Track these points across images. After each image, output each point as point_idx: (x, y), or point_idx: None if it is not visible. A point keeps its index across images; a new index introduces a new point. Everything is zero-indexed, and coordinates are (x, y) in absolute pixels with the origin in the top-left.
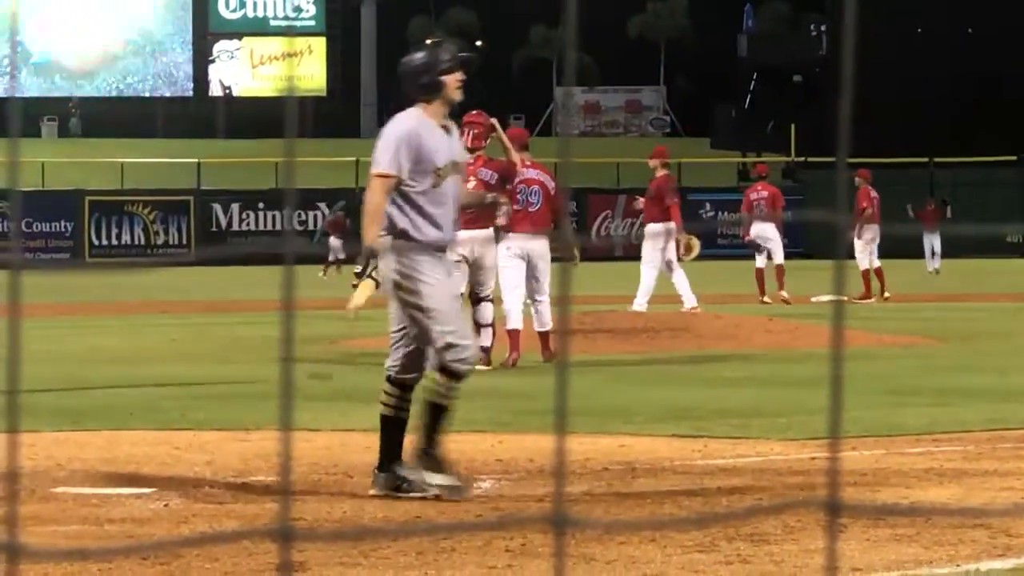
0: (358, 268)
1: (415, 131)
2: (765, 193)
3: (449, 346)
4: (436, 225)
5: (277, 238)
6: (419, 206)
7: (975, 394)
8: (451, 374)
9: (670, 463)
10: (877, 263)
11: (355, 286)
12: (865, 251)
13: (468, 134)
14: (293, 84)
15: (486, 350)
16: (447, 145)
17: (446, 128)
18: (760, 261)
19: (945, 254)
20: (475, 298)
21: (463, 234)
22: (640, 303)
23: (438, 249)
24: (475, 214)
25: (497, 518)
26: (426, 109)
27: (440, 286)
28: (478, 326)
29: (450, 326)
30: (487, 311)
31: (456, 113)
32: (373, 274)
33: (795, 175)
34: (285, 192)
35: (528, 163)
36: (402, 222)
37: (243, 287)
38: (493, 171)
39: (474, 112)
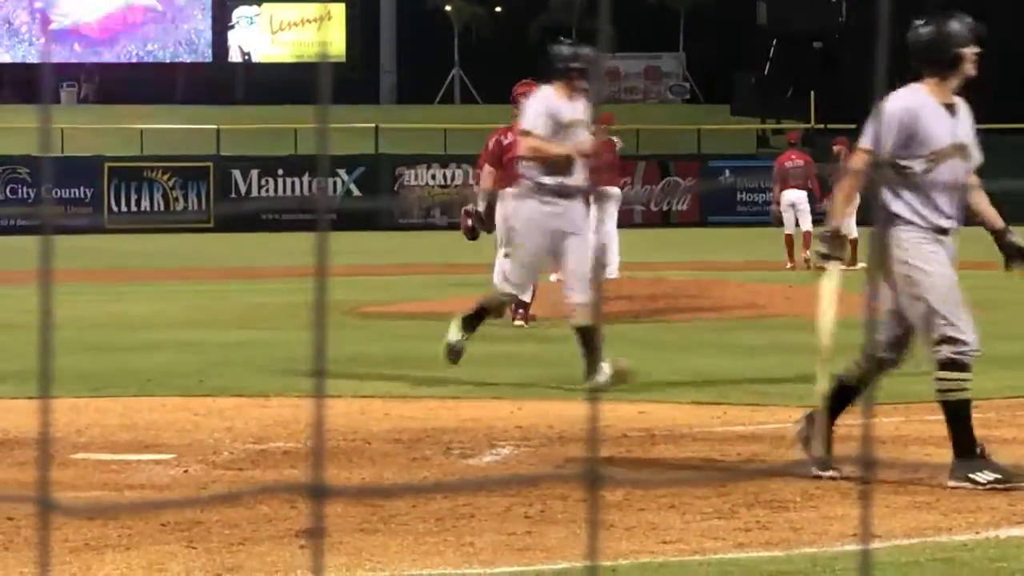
0: (821, 249)
1: (912, 110)
2: (800, 162)
3: (948, 339)
4: (936, 209)
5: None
6: (915, 188)
7: (996, 361)
8: (954, 366)
9: (689, 430)
10: (807, 226)
11: (820, 268)
12: (851, 216)
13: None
14: (325, 50)
15: (525, 307)
16: (950, 126)
17: (951, 107)
18: (789, 227)
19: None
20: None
21: (511, 194)
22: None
23: (939, 233)
24: None
25: (529, 476)
26: (932, 86)
27: (940, 275)
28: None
29: (950, 318)
30: None
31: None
32: (831, 256)
33: (814, 142)
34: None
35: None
36: (895, 205)
37: (264, 253)
38: None
39: (526, 81)
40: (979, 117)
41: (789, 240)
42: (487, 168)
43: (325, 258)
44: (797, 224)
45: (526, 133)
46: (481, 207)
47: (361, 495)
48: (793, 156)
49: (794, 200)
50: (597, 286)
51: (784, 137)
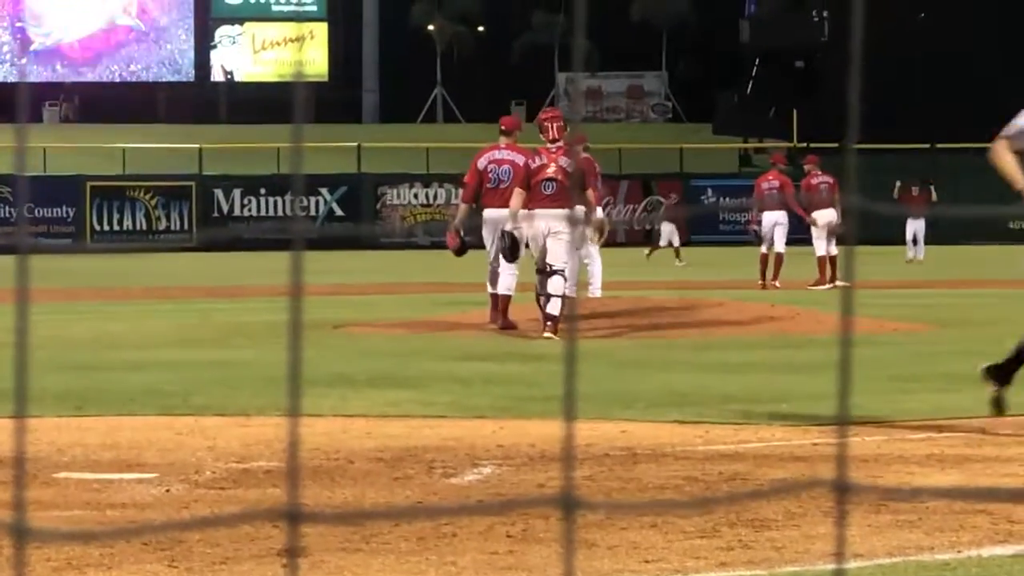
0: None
1: None
2: (776, 183)
3: None
4: None
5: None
6: None
7: (977, 380)
8: None
9: (672, 449)
10: (834, 251)
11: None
12: (821, 237)
13: (552, 127)
14: (302, 69)
15: (553, 319)
16: None
17: None
18: (765, 247)
19: (946, 240)
20: (549, 271)
21: (540, 212)
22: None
23: None
24: (554, 195)
25: (506, 500)
26: None
27: None
28: (548, 296)
29: None
30: (558, 283)
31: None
32: None
33: (796, 160)
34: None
35: (503, 145)
36: None
37: (246, 273)
38: (572, 160)
39: (549, 109)
40: None
41: (764, 260)
42: (517, 190)
43: (300, 279)
44: (772, 244)
45: None
46: (508, 226)
47: (337, 520)
48: (770, 177)
49: (777, 220)
50: (575, 305)
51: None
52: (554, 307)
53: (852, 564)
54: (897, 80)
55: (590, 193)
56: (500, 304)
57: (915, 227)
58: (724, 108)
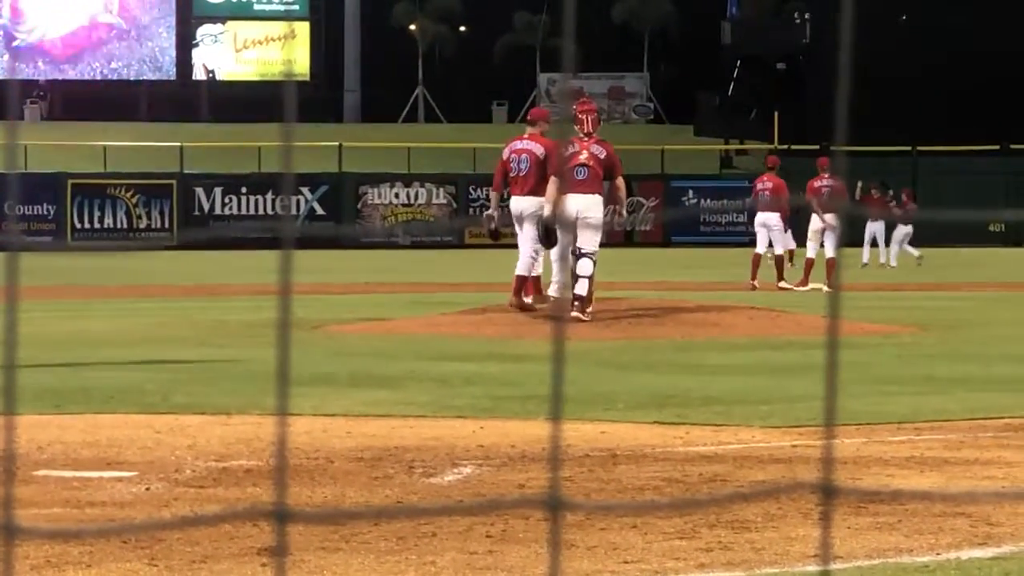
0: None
1: None
2: (770, 184)
3: None
4: None
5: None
6: None
7: (957, 383)
8: None
9: (651, 450)
10: (830, 253)
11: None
12: (814, 239)
13: (587, 119)
14: (292, 68)
15: (581, 299)
16: None
17: None
18: (760, 247)
19: (927, 242)
20: (578, 254)
21: (573, 198)
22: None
23: None
24: (586, 181)
25: (490, 500)
26: None
27: None
28: (576, 276)
29: None
30: (586, 265)
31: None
32: None
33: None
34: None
35: (527, 136)
36: None
37: (226, 272)
38: (603, 148)
39: (583, 101)
40: None
41: (756, 260)
42: (552, 177)
43: (289, 278)
44: (770, 245)
45: None
46: (547, 211)
47: (323, 519)
48: (764, 179)
49: (765, 221)
50: (563, 305)
51: (749, 158)
52: (582, 288)
53: (832, 566)
54: (878, 83)
55: (620, 181)
56: (515, 284)
57: (874, 229)
58: (705, 110)
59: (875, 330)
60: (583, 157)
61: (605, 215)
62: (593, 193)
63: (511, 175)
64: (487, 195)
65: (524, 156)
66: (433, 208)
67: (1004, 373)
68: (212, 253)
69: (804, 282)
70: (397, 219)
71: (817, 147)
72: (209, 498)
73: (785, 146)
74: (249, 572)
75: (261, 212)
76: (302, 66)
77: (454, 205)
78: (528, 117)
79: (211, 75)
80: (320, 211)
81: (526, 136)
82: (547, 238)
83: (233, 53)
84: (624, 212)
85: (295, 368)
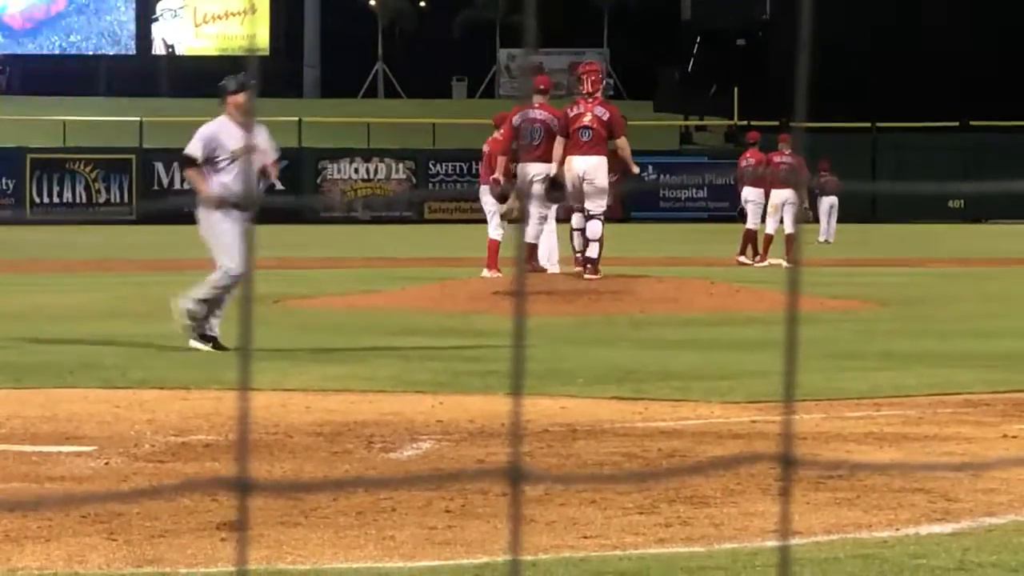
0: None
1: None
2: (753, 160)
3: None
4: None
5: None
6: None
7: (916, 359)
8: None
9: (611, 425)
10: (789, 228)
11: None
12: (773, 215)
13: (587, 80)
14: (254, 43)
15: (592, 262)
16: None
17: None
18: (751, 223)
19: (886, 219)
20: (587, 215)
21: (582, 159)
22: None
23: None
24: (590, 142)
25: (452, 472)
26: None
27: None
28: (587, 241)
29: None
30: (597, 227)
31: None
32: None
33: (737, 139)
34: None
35: (537, 105)
36: None
37: (185, 246)
38: (607, 110)
39: (587, 63)
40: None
41: (747, 235)
42: (559, 139)
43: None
44: (763, 220)
45: None
46: (554, 170)
47: (285, 490)
48: (747, 155)
49: (749, 197)
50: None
51: (708, 133)
52: (592, 251)
53: (791, 541)
54: (837, 60)
55: (622, 141)
56: (526, 251)
57: (830, 203)
58: (665, 85)
59: (834, 306)
60: (587, 119)
61: (610, 177)
62: (598, 155)
63: (521, 142)
64: (447, 170)
65: (538, 127)
66: (392, 183)
67: (963, 349)
68: (171, 228)
69: (763, 258)
70: (356, 194)
71: (777, 123)
72: (168, 473)
73: (745, 122)
74: (208, 547)
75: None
76: (262, 41)
77: (413, 180)
78: (540, 86)
79: (171, 50)
80: (279, 186)
81: (536, 105)
82: (552, 192)
83: (193, 28)
84: (635, 168)
85: (254, 343)
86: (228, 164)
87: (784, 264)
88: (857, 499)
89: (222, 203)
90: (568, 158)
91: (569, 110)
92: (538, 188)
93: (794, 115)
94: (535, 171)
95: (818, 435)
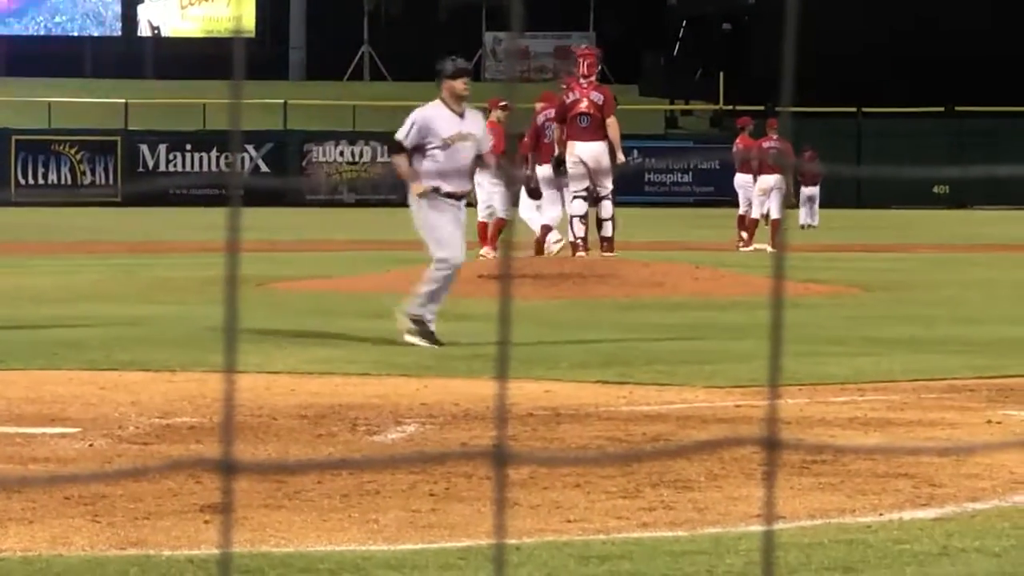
0: None
1: None
2: (742, 146)
3: None
4: None
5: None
6: None
7: (901, 344)
8: None
9: (595, 409)
10: (775, 214)
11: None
12: (759, 200)
13: (583, 63)
14: (241, 24)
15: (608, 240)
16: None
17: None
18: (743, 208)
19: (871, 204)
20: (596, 196)
21: (584, 145)
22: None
23: None
24: (590, 128)
25: (436, 453)
26: None
27: None
28: (600, 220)
29: None
30: (609, 207)
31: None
32: None
33: (722, 123)
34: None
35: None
36: None
37: (171, 228)
38: (602, 95)
39: (585, 47)
40: None
41: (740, 221)
42: (557, 125)
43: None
44: (749, 205)
45: None
46: (557, 150)
47: (269, 472)
48: (738, 142)
49: (738, 183)
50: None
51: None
52: (607, 229)
53: (775, 526)
54: (823, 45)
55: (611, 120)
56: (540, 235)
57: (811, 191)
58: (651, 70)
59: (820, 291)
60: (583, 106)
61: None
62: (599, 140)
63: (544, 141)
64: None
65: (554, 125)
66: (378, 166)
67: (947, 334)
68: (156, 210)
69: (748, 242)
70: (342, 177)
71: (762, 108)
72: (152, 455)
73: (730, 107)
74: (192, 529)
75: (206, 169)
76: (247, 23)
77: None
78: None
79: (156, 31)
80: (265, 168)
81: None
82: (556, 169)
83: (178, 10)
84: (621, 155)
85: (239, 325)
86: (439, 151)
87: (769, 249)
88: (841, 484)
89: (432, 192)
90: (570, 143)
91: (565, 97)
92: (546, 172)
93: (779, 100)
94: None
95: (802, 420)
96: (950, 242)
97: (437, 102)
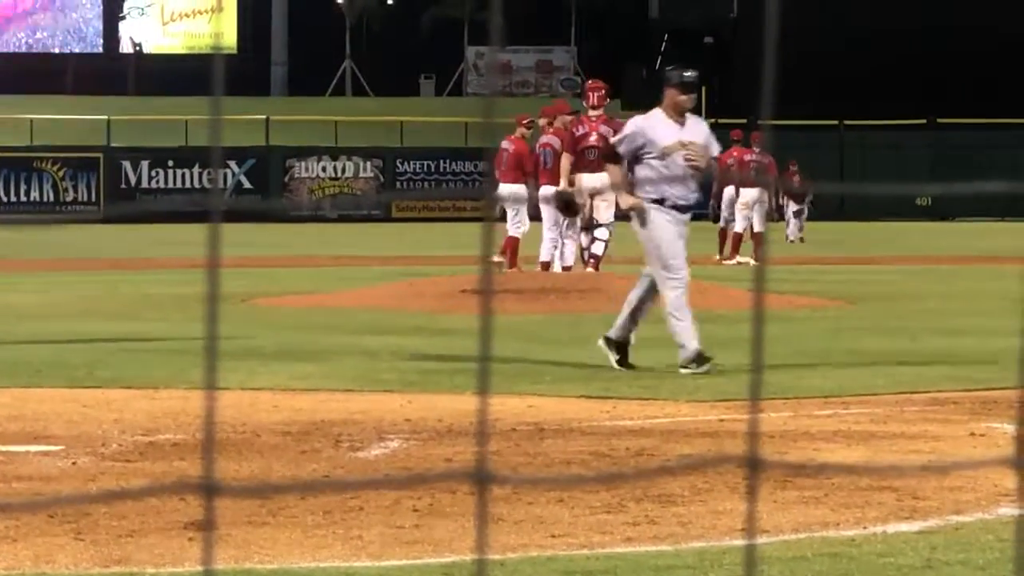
0: None
1: None
2: (736, 159)
3: None
4: None
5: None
6: None
7: (884, 357)
8: None
9: (578, 424)
10: (758, 227)
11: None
12: (742, 213)
13: (593, 95)
14: (221, 41)
15: (596, 258)
16: None
17: None
18: (722, 221)
19: (855, 217)
20: (596, 224)
21: (588, 177)
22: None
23: None
24: (595, 160)
25: (417, 473)
26: None
27: None
28: (593, 239)
29: None
30: (603, 232)
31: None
32: None
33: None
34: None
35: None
36: None
37: (153, 245)
38: (611, 128)
39: (596, 80)
40: None
41: (722, 234)
42: (566, 154)
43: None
44: (731, 221)
45: None
46: (563, 185)
47: (252, 493)
48: (734, 154)
49: (724, 197)
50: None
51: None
52: (598, 248)
53: (758, 540)
54: (804, 58)
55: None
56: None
57: (797, 208)
58: (633, 83)
59: (803, 304)
60: (592, 139)
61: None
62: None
63: (541, 167)
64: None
65: (548, 150)
66: (360, 182)
67: (931, 347)
68: (139, 227)
69: (732, 256)
70: (324, 193)
71: (744, 121)
72: (135, 472)
73: (712, 120)
74: (176, 547)
75: (188, 186)
76: (229, 39)
77: (381, 179)
78: (546, 111)
79: (138, 48)
80: (247, 185)
81: (551, 132)
82: (566, 208)
83: (160, 26)
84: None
85: (221, 342)
86: (657, 161)
87: (752, 262)
88: (825, 497)
89: (653, 203)
90: (577, 176)
91: (575, 129)
92: (548, 215)
93: (761, 113)
94: (548, 193)
95: (785, 433)
96: (933, 254)
97: (657, 110)
